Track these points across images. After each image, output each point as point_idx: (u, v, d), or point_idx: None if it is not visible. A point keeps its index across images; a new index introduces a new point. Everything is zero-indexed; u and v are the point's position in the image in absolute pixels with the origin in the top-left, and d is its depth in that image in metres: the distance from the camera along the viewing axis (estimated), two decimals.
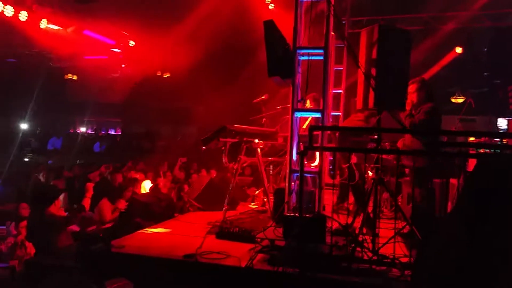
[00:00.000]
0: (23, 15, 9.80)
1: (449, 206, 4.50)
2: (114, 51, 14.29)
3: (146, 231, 5.05)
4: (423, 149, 4.71)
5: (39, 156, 16.46)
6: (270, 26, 4.87)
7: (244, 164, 6.15)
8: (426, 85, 4.91)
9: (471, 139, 6.84)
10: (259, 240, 4.22)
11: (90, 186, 7.76)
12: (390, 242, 3.89)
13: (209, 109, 13.68)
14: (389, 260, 3.70)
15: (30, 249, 5.71)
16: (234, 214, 5.79)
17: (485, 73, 12.58)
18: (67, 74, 18.41)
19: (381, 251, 3.85)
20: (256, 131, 5.93)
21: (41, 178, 10.06)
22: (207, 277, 3.85)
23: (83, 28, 11.80)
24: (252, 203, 6.85)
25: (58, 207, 6.68)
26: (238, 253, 4.03)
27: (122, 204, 7.10)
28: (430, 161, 4.49)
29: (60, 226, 5.68)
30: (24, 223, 6.10)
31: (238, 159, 5.51)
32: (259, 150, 5.60)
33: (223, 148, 5.69)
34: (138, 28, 12.54)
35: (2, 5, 9.23)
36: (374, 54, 4.29)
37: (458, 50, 11.19)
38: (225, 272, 3.82)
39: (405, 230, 4.18)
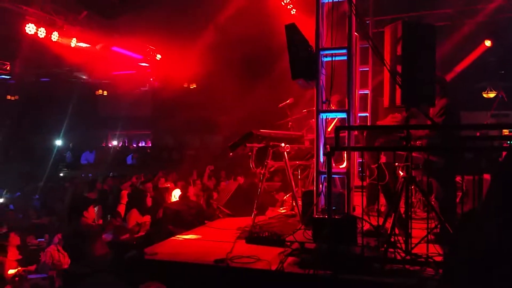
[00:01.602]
0: (55, 36, 10.24)
1: None
2: (142, 65, 14.66)
3: (177, 238, 5.13)
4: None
5: (74, 170, 17.00)
6: (292, 29, 4.89)
7: (272, 169, 6.14)
8: (441, 81, 4.80)
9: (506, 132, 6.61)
10: (289, 243, 4.20)
11: (124, 193, 8.12)
12: (423, 242, 3.79)
13: (236, 116, 13.76)
14: (422, 260, 3.60)
15: (67, 259, 5.91)
16: (263, 219, 5.80)
17: None
18: (97, 90, 18.96)
19: (414, 251, 3.75)
20: (282, 135, 5.92)
21: (77, 191, 10.41)
22: (238, 281, 3.86)
23: (111, 44, 12.17)
24: (281, 208, 6.83)
25: (92, 217, 6.88)
26: (268, 257, 4.03)
27: (147, 219, 7.34)
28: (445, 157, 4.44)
29: (94, 235, 5.83)
30: (61, 234, 6.33)
31: (265, 163, 5.51)
32: (285, 154, 5.59)
33: (250, 153, 5.71)
34: (163, 41, 12.80)
35: (35, 27, 9.69)
36: (399, 51, 4.22)
37: (487, 43, 10.85)
38: (256, 276, 3.82)
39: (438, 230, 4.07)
